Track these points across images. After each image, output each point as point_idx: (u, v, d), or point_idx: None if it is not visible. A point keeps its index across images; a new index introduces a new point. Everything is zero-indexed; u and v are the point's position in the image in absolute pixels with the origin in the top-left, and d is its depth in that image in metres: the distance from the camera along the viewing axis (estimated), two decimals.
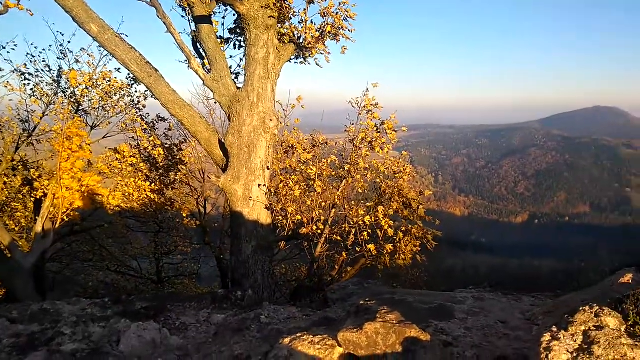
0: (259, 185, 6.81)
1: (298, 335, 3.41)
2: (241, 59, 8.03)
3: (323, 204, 7.14)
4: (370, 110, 7.10)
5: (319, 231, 6.87)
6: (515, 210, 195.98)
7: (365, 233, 6.65)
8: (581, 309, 2.97)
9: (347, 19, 6.72)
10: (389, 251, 6.52)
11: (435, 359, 3.06)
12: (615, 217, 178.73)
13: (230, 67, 7.28)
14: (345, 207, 7.04)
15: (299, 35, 6.97)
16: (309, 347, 3.26)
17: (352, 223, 6.82)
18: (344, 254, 6.96)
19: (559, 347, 2.63)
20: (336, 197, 7.04)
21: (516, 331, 3.58)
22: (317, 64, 7.24)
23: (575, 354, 2.57)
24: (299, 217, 6.94)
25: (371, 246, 6.46)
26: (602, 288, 3.87)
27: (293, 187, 6.91)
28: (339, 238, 6.85)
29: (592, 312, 2.93)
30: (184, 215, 13.63)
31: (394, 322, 3.34)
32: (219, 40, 7.29)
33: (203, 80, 6.89)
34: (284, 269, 14.17)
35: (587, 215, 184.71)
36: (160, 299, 5.87)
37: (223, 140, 7.03)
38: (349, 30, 6.88)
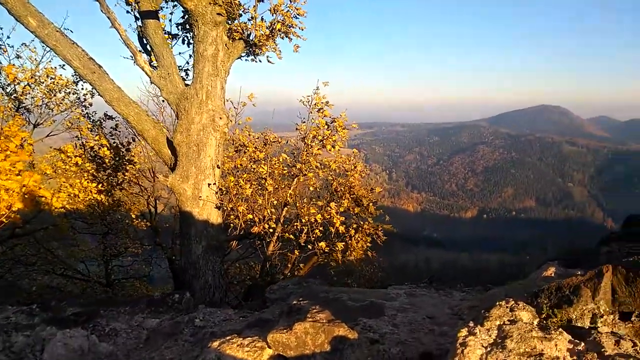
0: (209, 184, 6.69)
1: (228, 338, 3.37)
2: (190, 56, 7.87)
3: (275, 202, 7.11)
4: (322, 109, 7.12)
5: (271, 230, 6.84)
6: (465, 205, 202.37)
7: (317, 230, 6.68)
8: (497, 303, 3.03)
9: (297, 16, 6.71)
10: (341, 248, 6.57)
11: (362, 356, 3.10)
12: (558, 211, 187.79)
13: (179, 65, 7.13)
14: (297, 205, 7.04)
15: (249, 32, 6.89)
16: (238, 350, 3.23)
17: (304, 221, 6.83)
18: (296, 251, 6.97)
19: (474, 342, 2.66)
20: (288, 195, 7.03)
21: (442, 326, 3.68)
22: (268, 60, 7.18)
23: (489, 349, 2.60)
24: (251, 216, 6.88)
25: (323, 244, 6.49)
26: (528, 282, 4.02)
27: (244, 186, 6.84)
28: (291, 236, 6.85)
29: (507, 307, 3.00)
30: (133, 216, 13.25)
31: (324, 321, 3.36)
32: (166, 36, 7.11)
33: (150, 77, 6.70)
34: (238, 268, 14.05)
35: (532, 210, 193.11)
36: (94, 304, 5.63)
37: (171, 139, 6.87)
38: (300, 29, 6.87)
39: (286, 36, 6.95)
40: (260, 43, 6.84)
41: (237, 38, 6.85)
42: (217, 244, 6.83)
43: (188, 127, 6.64)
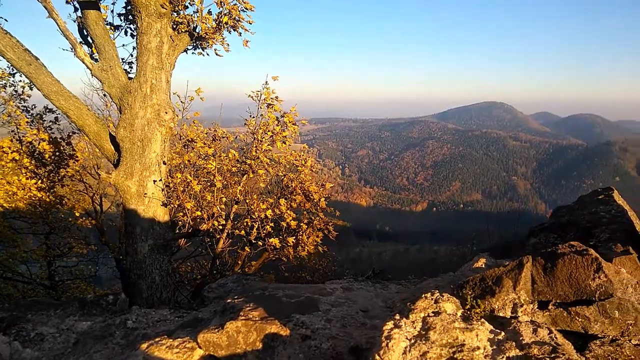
0: (155, 181, 6.49)
1: (157, 339, 3.29)
2: (134, 48, 7.60)
3: (224, 199, 6.99)
4: (271, 104, 7.05)
5: (221, 227, 6.72)
6: (416, 199, 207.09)
7: (269, 227, 6.63)
8: (423, 296, 3.09)
9: (245, 10, 6.60)
10: (292, 243, 6.55)
11: (294, 353, 3.12)
12: (504, 203, 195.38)
13: (123, 58, 6.86)
14: (247, 201, 6.95)
15: (195, 25, 6.72)
16: (167, 352, 3.17)
17: (254, 217, 6.76)
18: (247, 248, 6.88)
19: (399, 334, 2.68)
20: (238, 191, 6.93)
21: (374, 320, 3.74)
22: (216, 53, 7.04)
23: (413, 341, 2.63)
24: (199, 213, 6.73)
25: (274, 240, 6.45)
26: (459, 274, 4.13)
27: (192, 183, 6.68)
28: (242, 233, 6.75)
29: (432, 299, 3.06)
30: (77, 214, 12.70)
31: (257, 319, 3.35)
32: (108, 28, 6.81)
33: (90, 70, 6.40)
34: (189, 266, 13.77)
35: (479, 202, 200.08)
36: (21, 308, 5.33)
37: (114, 134, 6.61)
38: (248, 22, 6.77)
39: (234, 30, 6.82)
40: (207, 36, 6.68)
41: (183, 30, 6.66)
42: (164, 242, 6.65)
43: (132, 122, 6.40)
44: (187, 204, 6.55)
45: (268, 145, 7.12)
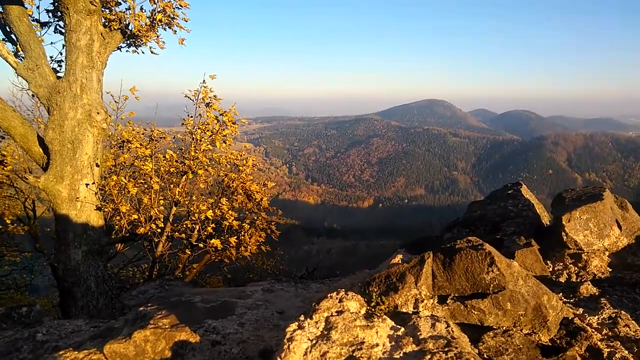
0: (87, 184, 6.23)
1: (61, 352, 3.14)
2: (63, 46, 7.25)
3: (162, 201, 6.80)
4: (210, 103, 6.93)
5: (159, 230, 6.54)
6: (363, 195, 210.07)
7: (210, 228, 6.51)
8: (328, 295, 3.09)
9: (180, 7, 6.45)
10: (234, 244, 6.48)
11: (204, 359, 3.09)
12: (445, 197, 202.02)
13: (51, 56, 6.52)
14: (186, 203, 6.80)
15: (128, 22, 6.50)
16: None
17: (194, 219, 6.63)
18: (187, 251, 6.74)
19: (301, 336, 2.68)
20: (177, 193, 6.76)
21: (288, 321, 3.77)
22: (152, 51, 6.84)
23: (314, 341, 2.63)
24: (136, 216, 6.52)
25: (215, 241, 6.35)
26: (375, 270, 4.22)
27: (128, 185, 6.46)
28: (182, 235, 6.60)
29: (337, 298, 3.07)
30: (8, 221, 11.97)
31: (167, 327, 3.30)
32: (35, 24, 6.46)
33: (15, 69, 6.05)
34: (130, 271, 13.31)
35: (422, 197, 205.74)
36: None
37: (43, 136, 6.28)
38: (183, 20, 6.62)
39: (169, 27, 6.65)
40: (141, 34, 6.48)
41: (115, 28, 6.42)
42: (99, 247, 6.39)
43: (61, 123, 6.11)
44: (122, 207, 6.31)
45: (207, 145, 7.00)
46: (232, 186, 6.89)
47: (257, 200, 6.86)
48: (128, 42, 6.76)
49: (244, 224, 6.67)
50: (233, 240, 6.45)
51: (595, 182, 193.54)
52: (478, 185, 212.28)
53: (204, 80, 6.82)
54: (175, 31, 6.74)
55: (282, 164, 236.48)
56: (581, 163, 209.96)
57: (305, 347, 2.58)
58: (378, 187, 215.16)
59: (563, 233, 5.24)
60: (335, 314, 2.89)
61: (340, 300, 3.03)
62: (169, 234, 6.79)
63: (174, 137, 7.41)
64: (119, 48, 6.73)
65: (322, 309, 2.95)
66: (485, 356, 2.95)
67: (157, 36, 6.68)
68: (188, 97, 6.84)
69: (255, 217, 6.92)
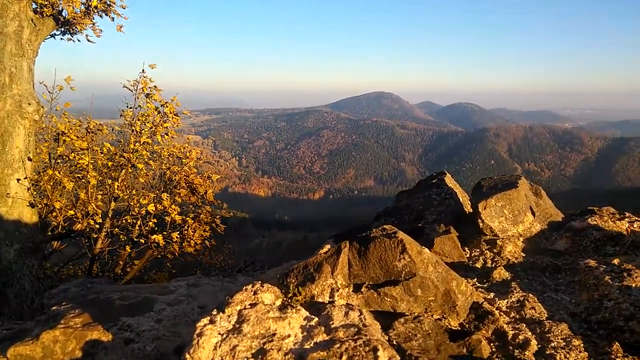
0: (19, 179, 5.90)
1: None
2: None
3: (100, 196, 6.55)
4: (150, 94, 6.71)
5: (97, 226, 6.29)
6: (313, 187, 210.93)
7: (151, 223, 6.34)
8: (243, 288, 3.07)
9: None
10: (177, 239, 6.34)
11: (116, 358, 3.04)
12: (394, 188, 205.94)
13: None
14: (126, 197, 6.58)
15: (61, 8, 6.17)
16: None
17: (135, 214, 6.42)
18: (127, 247, 6.53)
19: (212, 330, 2.64)
20: (116, 187, 6.52)
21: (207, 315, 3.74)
22: (88, 39, 6.54)
23: (225, 335, 2.61)
24: (72, 212, 6.24)
25: (157, 237, 6.18)
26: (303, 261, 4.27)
27: (64, 180, 6.16)
28: (121, 231, 6.39)
29: (252, 290, 3.04)
30: None
31: (78, 326, 3.22)
32: None
33: None
34: (71, 269, 12.76)
35: (372, 189, 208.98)
36: None
37: None
38: (121, 7, 6.37)
39: (106, 14, 6.38)
40: (75, 21, 6.17)
41: (47, 14, 6.08)
42: (33, 245, 6.07)
43: None
44: (56, 203, 6.01)
45: (148, 137, 6.78)
46: (175, 179, 6.73)
47: (201, 193, 6.74)
48: (62, 29, 6.43)
49: (187, 218, 6.53)
50: (175, 235, 6.30)
51: (534, 171, 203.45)
52: (425, 175, 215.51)
53: (143, 70, 6.59)
54: (113, 18, 6.48)
55: (232, 156, 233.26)
56: (521, 153, 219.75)
57: (215, 342, 2.54)
58: (328, 178, 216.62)
59: (479, 220, 5.45)
60: (249, 306, 2.86)
61: (255, 293, 3.01)
62: (109, 230, 6.55)
63: (112, 129, 7.12)
64: (53, 36, 6.39)
65: (235, 302, 2.91)
66: (394, 342, 3.01)
67: (93, 23, 6.40)
68: (127, 88, 6.60)
69: (200, 211, 6.79)
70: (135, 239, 6.56)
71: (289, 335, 2.63)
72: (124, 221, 6.53)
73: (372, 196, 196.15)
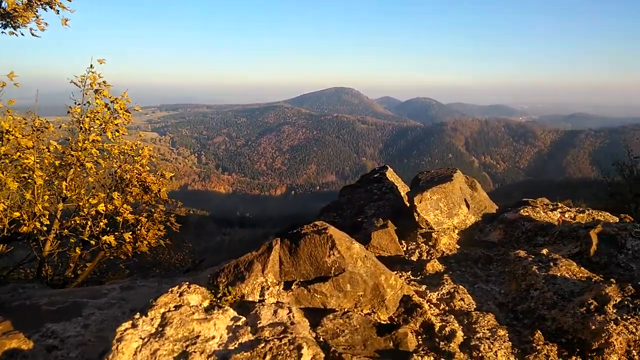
0: None
1: None
2: None
3: (47, 196, 6.28)
4: (99, 89, 6.48)
5: (45, 227, 6.04)
6: (275, 183, 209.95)
7: (102, 223, 6.14)
8: (169, 289, 3.02)
9: None
10: (130, 239, 6.16)
11: None
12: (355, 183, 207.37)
13: None
14: (75, 197, 6.34)
15: (1, 0, 5.89)
16: None
17: (84, 214, 6.20)
18: (78, 249, 6.29)
19: (132, 335, 2.57)
20: (64, 187, 6.27)
21: (129, 319, 3.64)
22: (32, 33, 6.27)
23: (146, 340, 2.54)
24: (18, 214, 5.97)
25: (109, 237, 5.99)
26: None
27: (7, 180, 5.88)
28: (71, 233, 6.15)
29: (178, 292, 2.99)
30: None
31: None
32: None
33: None
34: (22, 273, 12.23)
35: (334, 184, 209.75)
36: None
37: None
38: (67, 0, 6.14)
39: (50, 7, 6.14)
40: (17, 13, 5.91)
41: None
42: None
43: None
44: (0, 204, 5.73)
45: (97, 135, 6.54)
46: (127, 178, 6.52)
47: (154, 192, 6.57)
48: (3, 22, 6.15)
49: (140, 218, 6.35)
50: (128, 235, 6.13)
51: (490, 164, 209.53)
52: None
53: (91, 65, 6.36)
54: (58, 11, 6.25)
55: (191, 153, 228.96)
56: (477, 147, 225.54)
57: (135, 347, 2.47)
58: (290, 174, 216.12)
59: (415, 213, 5.52)
60: (173, 309, 2.80)
61: (181, 295, 2.95)
62: (58, 231, 6.29)
63: (60, 127, 6.83)
64: None
65: (159, 304, 2.84)
66: (321, 339, 2.98)
67: (37, 16, 6.14)
68: (74, 84, 6.35)
69: (153, 210, 6.62)
70: (86, 241, 6.34)
71: (213, 337, 2.59)
72: (73, 222, 6.29)
73: (334, 191, 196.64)
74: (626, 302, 3.42)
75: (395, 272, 4.58)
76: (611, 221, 5.76)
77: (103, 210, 6.09)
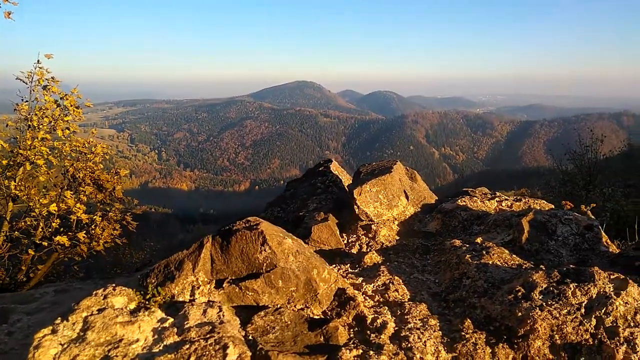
0: None
1: None
2: None
3: None
4: (47, 86, 6.24)
5: None
6: (238, 179, 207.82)
7: (55, 224, 5.94)
8: (93, 292, 2.92)
9: None
10: (84, 240, 5.98)
11: None
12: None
13: None
14: (24, 198, 6.11)
15: None
16: None
17: (36, 214, 5.98)
18: (30, 251, 6.07)
19: (51, 341, 2.47)
20: (13, 187, 6.03)
21: (49, 325, 3.49)
22: None
23: (66, 345, 2.45)
24: None
25: (62, 238, 5.80)
26: None
27: None
28: (21, 235, 5.93)
29: (102, 294, 2.89)
30: None
31: None
32: None
33: None
34: None
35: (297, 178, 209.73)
36: None
37: None
38: None
39: None
40: None
41: None
42: None
43: None
44: None
45: (47, 132, 6.31)
46: (79, 177, 6.32)
47: (109, 190, 6.39)
48: None
49: (95, 217, 6.18)
50: (82, 235, 5.95)
51: (449, 155, 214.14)
52: (349, 163, 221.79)
53: (38, 61, 6.12)
54: (0, 5, 5.97)
55: (151, 149, 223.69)
56: (437, 138, 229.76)
57: (54, 353, 2.38)
58: (253, 169, 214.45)
59: (355, 206, 5.46)
60: (96, 312, 2.70)
61: (105, 297, 2.86)
62: (8, 233, 6.05)
63: (7, 125, 6.54)
64: None
65: (82, 308, 2.73)
66: (250, 337, 2.93)
67: None
68: (20, 80, 6.10)
69: (108, 209, 6.45)
70: (38, 242, 6.12)
71: (137, 340, 2.53)
72: (24, 223, 6.05)
73: None
74: (551, 288, 3.48)
75: (334, 265, 4.55)
76: (546, 209, 5.85)
77: (55, 210, 5.89)
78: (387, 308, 3.69)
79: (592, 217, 5.54)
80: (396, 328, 3.37)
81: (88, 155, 6.62)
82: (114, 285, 2.96)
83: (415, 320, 3.48)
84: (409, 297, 3.95)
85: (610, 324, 3.20)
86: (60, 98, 6.33)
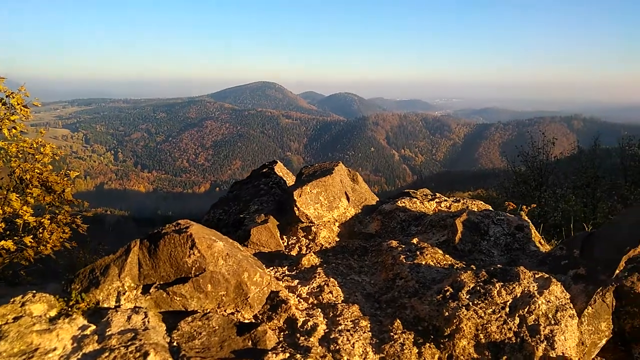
0: None
1: None
2: None
3: None
4: None
5: None
6: (198, 180, 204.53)
7: None
8: (12, 299, 2.82)
9: None
10: (31, 244, 5.75)
11: None
12: None
13: None
14: None
15: None
16: None
17: None
18: None
19: None
20: None
21: None
22: None
23: None
24: None
25: (6, 242, 5.54)
26: None
27: None
28: None
29: (20, 302, 2.81)
30: None
31: None
32: None
33: None
34: None
35: None
36: None
37: None
38: None
39: None
40: None
41: None
42: None
43: None
44: None
45: None
46: (26, 178, 6.07)
47: (57, 192, 6.17)
48: None
49: (43, 220, 5.95)
50: (29, 239, 5.71)
51: (409, 156, 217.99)
52: (311, 164, 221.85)
53: None
54: None
55: (106, 150, 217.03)
56: (397, 140, 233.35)
57: None
58: (214, 170, 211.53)
59: (295, 208, 5.40)
60: (12, 320, 2.61)
61: (23, 304, 2.77)
62: None
63: None
64: None
65: None
66: (175, 344, 2.85)
67: None
68: None
69: (57, 212, 6.22)
70: None
71: (54, 349, 2.46)
72: None
73: None
74: (478, 288, 3.55)
75: (272, 267, 4.50)
76: (484, 209, 5.99)
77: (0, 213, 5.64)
78: (320, 310, 3.66)
79: (525, 218, 5.73)
80: (327, 330, 3.36)
81: (36, 156, 6.36)
82: (34, 291, 2.84)
83: (347, 321, 3.47)
84: (342, 298, 3.92)
85: (532, 322, 3.29)
86: (6, 96, 6.06)
